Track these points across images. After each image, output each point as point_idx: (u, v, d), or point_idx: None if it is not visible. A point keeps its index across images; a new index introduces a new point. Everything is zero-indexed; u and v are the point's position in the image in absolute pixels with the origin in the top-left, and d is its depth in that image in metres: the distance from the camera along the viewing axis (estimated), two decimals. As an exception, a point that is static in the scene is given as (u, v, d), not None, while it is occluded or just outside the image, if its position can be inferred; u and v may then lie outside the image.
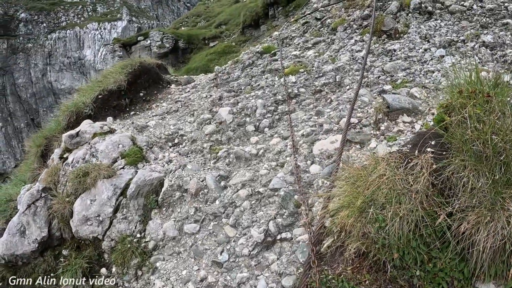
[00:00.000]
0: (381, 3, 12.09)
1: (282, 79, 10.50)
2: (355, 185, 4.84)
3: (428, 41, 10.34)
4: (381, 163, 4.80)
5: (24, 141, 66.53)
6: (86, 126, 9.46)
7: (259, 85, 10.78)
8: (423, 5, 11.28)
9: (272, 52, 12.60)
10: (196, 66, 36.18)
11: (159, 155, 8.68)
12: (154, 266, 6.69)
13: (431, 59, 9.73)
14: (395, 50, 10.40)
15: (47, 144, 10.92)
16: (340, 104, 8.70)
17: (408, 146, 5.49)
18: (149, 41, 41.73)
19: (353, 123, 7.71)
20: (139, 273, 6.84)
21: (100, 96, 11.60)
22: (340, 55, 11.13)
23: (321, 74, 10.29)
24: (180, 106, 11.67)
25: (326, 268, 4.79)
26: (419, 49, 10.17)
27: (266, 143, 8.43)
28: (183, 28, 52.27)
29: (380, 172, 4.65)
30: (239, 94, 10.82)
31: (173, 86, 13.81)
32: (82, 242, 7.92)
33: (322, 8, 14.38)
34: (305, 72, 10.53)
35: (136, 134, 9.19)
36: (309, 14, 14.76)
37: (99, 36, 75.39)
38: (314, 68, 10.66)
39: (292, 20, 15.76)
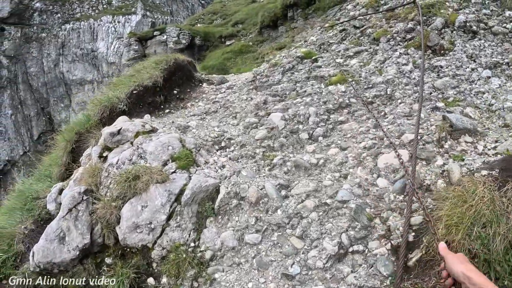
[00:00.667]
0: (425, 18, 11.83)
1: (330, 87, 10.26)
2: (458, 205, 5.07)
3: (474, 61, 10.13)
4: (479, 186, 5.06)
5: (33, 130, 66.39)
6: (127, 124, 9.09)
7: (305, 91, 10.50)
8: (468, 24, 11.04)
9: (314, 58, 12.33)
10: (212, 64, 35.88)
11: (209, 159, 8.37)
12: (212, 278, 6.37)
13: (478, 79, 9.53)
14: (442, 67, 10.16)
15: (77, 140, 10.56)
16: (396, 119, 8.46)
17: (493, 169, 5.72)
18: (165, 36, 41.44)
19: (412, 139, 7.52)
20: (195, 284, 6.49)
21: (135, 92, 11.21)
22: (386, 67, 10.85)
23: (370, 85, 10.07)
24: (219, 107, 11.36)
25: (417, 281, 4.91)
26: (466, 68, 9.93)
27: (324, 152, 8.18)
28: (199, 25, 51.98)
29: (480, 194, 4.94)
30: (284, 99, 10.56)
31: (205, 85, 13.50)
32: (128, 250, 7.48)
33: (360, 17, 14.12)
34: (353, 82, 10.28)
35: (182, 135, 8.86)
36: (346, 21, 14.49)
37: (113, 29, 75.09)
38: (362, 79, 10.43)
39: (327, 25, 15.49)
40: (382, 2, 14.67)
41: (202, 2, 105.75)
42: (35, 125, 67.49)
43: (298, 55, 12.59)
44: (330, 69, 11.29)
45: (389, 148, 7.45)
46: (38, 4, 75.19)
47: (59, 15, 76.18)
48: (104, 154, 8.80)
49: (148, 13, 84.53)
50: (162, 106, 11.68)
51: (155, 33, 43.40)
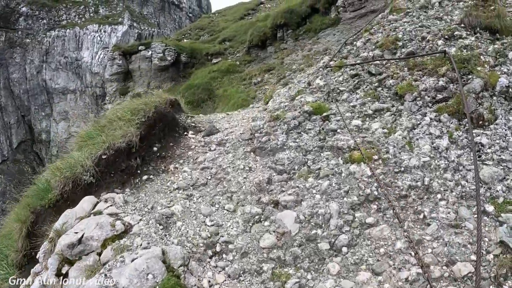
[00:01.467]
0: (459, 75, 9.55)
1: (352, 167, 7.88)
2: None
3: None
4: None
5: (13, 137, 62.95)
6: (91, 228, 6.68)
7: (319, 168, 8.15)
8: (510, 89, 8.94)
9: (325, 114, 9.90)
10: (198, 83, 33.38)
11: (203, 280, 5.92)
12: None
13: None
14: (483, 145, 8.09)
15: (34, 221, 8.08)
16: (440, 229, 6.43)
17: None
18: (150, 52, 38.83)
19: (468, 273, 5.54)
20: None
21: (104, 157, 8.62)
22: (416, 139, 8.64)
23: (402, 169, 7.80)
24: (209, 178, 8.85)
25: None
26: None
27: (352, 278, 5.90)
28: (185, 40, 49.41)
29: None
30: (292, 177, 8.20)
31: (191, 134, 11.06)
32: None
33: (376, 61, 11.75)
34: (380, 160, 8.00)
35: (164, 247, 6.29)
36: (358, 64, 12.10)
37: (99, 38, 72.23)
38: (390, 156, 8.15)
39: (334, 65, 13.07)
40: (400, 44, 12.32)
41: (190, 15, 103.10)
42: (14, 133, 64.06)
43: (306, 109, 10.15)
44: (348, 137, 8.91)
45: (437, 282, 5.18)
46: (24, 9, 72.06)
47: (45, 21, 73.04)
48: (64, 270, 6.39)
49: (135, 24, 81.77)
50: (139, 171, 9.12)
51: (140, 47, 40.67)
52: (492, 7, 12.90)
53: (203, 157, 9.70)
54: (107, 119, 10.12)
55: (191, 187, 8.58)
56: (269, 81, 30.26)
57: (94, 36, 71.65)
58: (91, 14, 77.44)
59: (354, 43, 14.20)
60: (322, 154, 8.64)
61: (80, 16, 76.36)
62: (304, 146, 8.96)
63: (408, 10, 14.83)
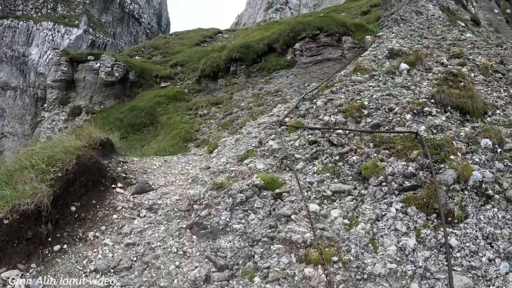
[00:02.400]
0: (432, 163, 8.27)
1: (307, 270, 6.22)
2: None
3: (491, 245, 7.04)
4: None
5: None
6: None
7: (268, 267, 6.51)
8: (483, 185, 7.86)
9: (277, 191, 8.15)
10: (142, 105, 31.19)
11: None
12: None
13: (496, 276, 6.50)
14: (452, 248, 6.90)
15: None
16: None
17: None
18: (98, 64, 36.08)
19: None
20: None
21: (6, 221, 6.57)
22: (381, 235, 7.24)
23: (365, 276, 6.30)
24: (135, 259, 6.95)
25: None
26: (482, 257, 6.81)
27: None
28: (137, 57, 46.83)
29: None
30: (235, 273, 6.51)
31: (119, 188, 9.14)
32: None
33: (339, 130, 10.16)
34: (340, 263, 6.43)
35: None
36: (318, 130, 10.51)
37: (51, 37, 68.83)
38: (352, 258, 6.64)
39: (290, 124, 11.45)
40: (366, 112, 10.93)
41: (148, 31, 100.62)
42: None
43: (255, 183, 8.38)
44: (304, 229, 7.22)
45: None
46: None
47: (0, 7, 69.13)
48: None
49: (90, 29, 78.71)
50: (50, 238, 7.10)
51: (89, 57, 37.84)
52: (462, 83, 12.14)
53: (129, 227, 7.73)
54: (18, 165, 7.92)
55: (112, 271, 6.64)
56: (216, 115, 28.49)
57: (47, 34, 68.30)
58: (49, 11, 73.97)
59: (314, 100, 12.67)
60: (272, 247, 6.92)
61: (37, 10, 72.78)
62: (252, 234, 7.22)
63: (373, 73, 13.59)
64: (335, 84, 13.39)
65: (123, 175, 9.54)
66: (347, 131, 10.21)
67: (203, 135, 26.51)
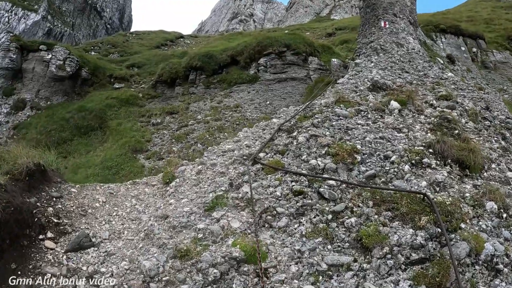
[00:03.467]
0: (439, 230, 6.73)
1: None
2: None
3: None
4: None
5: None
6: None
7: None
8: (495, 259, 6.70)
9: (259, 268, 5.81)
10: (91, 106, 28.31)
11: None
12: None
13: None
14: None
15: None
16: None
17: None
18: (50, 56, 32.76)
19: None
20: None
21: None
22: None
23: None
24: None
25: None
26: None
27: None
28: (93, 53, 43.55)
29: None
30: None
31: (49, 239, 6.63)
32: None
33: (332, 182, 8.04)
34: None
35: None
36: (304, 176, 8.33)
37: (7, 19, 64.40)
38: None
39: (267, 163, 9.22)
40: (359, 158, 8.90)
41: (108, 26, 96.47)
42: None
43: (234, 255, 5.97)
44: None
45: None
46: None
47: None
48: None
49: (49, 17, 74.37)
50: None
51: (41, 46, 34.13)
52: (457, 131, 10.97)
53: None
54: None
55: None
56: (170, 125, 26.00)
57: (3, 15, 63.83)
58: (9, -10, 69.09)
59: (294, 134, 10.48)
60: None
61: (-3, -13, 67.92)
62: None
63: (360, 108, 11.67)
64: (316, 116, 11.36)
65: (55, 219, 6.99)
66: (339, 182, 8.08)
67: (154, 146, 23.98)
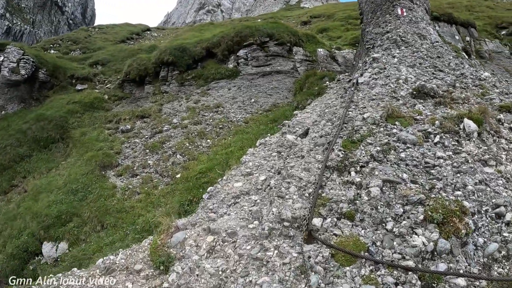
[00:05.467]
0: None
1: None
2: None
3: None
4: None
5: None
6: None
7: None
8: None
9: None
10: (51, 114, 23.74)
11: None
12: None
13: None
14: None
15: None
16: None
17: None
18: (2, 58, 28.16)
19: None
20: None
21: None
22: None
23: None
24: None
25: None
26: None
27: None
28: (52, 51, 38.48)
29: None
30: None
31: None
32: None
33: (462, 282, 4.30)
34: None
35: None
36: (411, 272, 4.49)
37: (-41, 21, 59.01)
38: None
39: (335, 245, 5.25)
40: (471, 224, 5.25)
41: (70, 22, 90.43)
42: None
43: None
44: None
45: None
46: None
47: None
48: None
49: (8, 14, 68.67)
50: None
51: (-9, 48, 29.70)
52: None
53: None
54: None
55: None
56: (141, 132, 21.76)
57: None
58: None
59: (355, 179, 6.56)
60: None
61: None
62: None
63: (425, 128, 8.18)
64: (368, 140, 7.57)
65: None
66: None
67: (126, 159, 19.69)
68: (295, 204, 6.36)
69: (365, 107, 9.29)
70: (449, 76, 11.69)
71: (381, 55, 13.35)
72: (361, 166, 6.91)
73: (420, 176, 6.58)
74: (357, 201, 6.10)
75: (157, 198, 15.71)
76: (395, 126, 8.01)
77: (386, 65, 12.30)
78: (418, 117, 8.62)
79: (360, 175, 6.68)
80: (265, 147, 9.56)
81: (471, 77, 11.98)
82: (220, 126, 21.02)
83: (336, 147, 7.64)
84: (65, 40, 43.52)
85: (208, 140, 19.83)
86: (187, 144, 19.59)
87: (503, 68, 28.40)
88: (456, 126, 8.01)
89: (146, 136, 21.25)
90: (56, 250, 14.45)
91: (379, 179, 6.32)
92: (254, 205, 6.86)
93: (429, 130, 7.84)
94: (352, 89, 11.10)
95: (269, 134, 12.21)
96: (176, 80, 26.56)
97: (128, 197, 16.57)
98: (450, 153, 7.15)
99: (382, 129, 7.99)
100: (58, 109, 24.46)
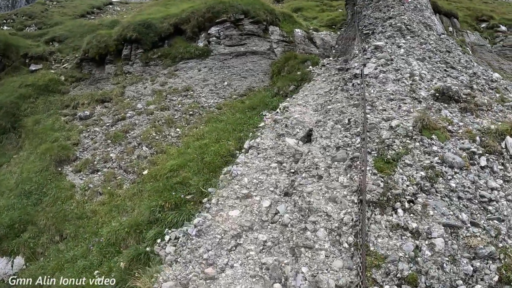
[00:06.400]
0: None
1: None
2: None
3: None
4: None
5: None
6: None
7: None
8: None
9: None
10: (1, 100, 20.92)
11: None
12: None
13: None
14: None
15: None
16: None
17: None
18: None
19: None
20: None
21: None
22: None
23: None
24: None
25: None
26: None
27: None
28: (5, 27, 34.80)
29: None
30: None
31: None
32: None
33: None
34: None
35: None
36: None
37: None
38: None
39: None
40: None
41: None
42: None
43: None
44: None
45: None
46: None
47: None
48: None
49: (-41, -12, 63.78)
50: None
51: None
52: None
53: None
54: None
55: None
56: (102, 119, 19.24)
57: None
58: None
59: (411, 225, 4.73)
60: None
61: None
62: None
63: (468, 147, 6.65)
64: (407, 161, 5.87)
65: None
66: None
67: (85, 151, 17.17)
68: (333, 261, 4.43)
69: (385, 110, 7.32)
70: (463, 75, 10.04)
71: (385, 43, 11.40)
72: (409, 201, 4.92)
73: (479, 215, 4.86)
74: (419, 258, 4.14)
75: (123, 200, 13.52)
76: (433, 142, 6.11)
77: (393, 56, 10.42)
78: (450, 127, 6.82)
79: (412, 215, 4.69)
80: (258, 154, 7.58)
81: (484, 77, 10.46)
82: (190, 112, 18.71)
83: (368, 168, 5.57)
84: (19, 15, 39.79)
85: (178, 129, 17.53)
86: (154, 134, 17.27)
87: (485, 62, 26.79)
88: (498, 144, 6.22)
89: (108, 124, 18.79)
90: (12, 266, 12.56)
91: (439, 224, 4.36)
92: (265, 251, 4.90)
93: (473, 149, 6.19)
94: (359, 83, 9.01)
95: (259, 133, 10.07)
96: (141, 60, 23.96)
97: (88, 199, 14.26)
98: (501, 181, 5.58)
99: (418, 143, 6.16)
100: (9, 94, 21.61)
